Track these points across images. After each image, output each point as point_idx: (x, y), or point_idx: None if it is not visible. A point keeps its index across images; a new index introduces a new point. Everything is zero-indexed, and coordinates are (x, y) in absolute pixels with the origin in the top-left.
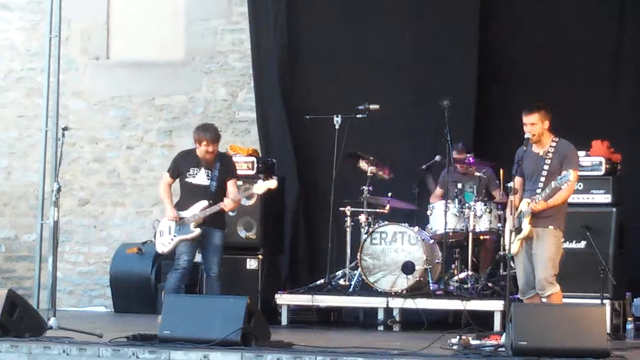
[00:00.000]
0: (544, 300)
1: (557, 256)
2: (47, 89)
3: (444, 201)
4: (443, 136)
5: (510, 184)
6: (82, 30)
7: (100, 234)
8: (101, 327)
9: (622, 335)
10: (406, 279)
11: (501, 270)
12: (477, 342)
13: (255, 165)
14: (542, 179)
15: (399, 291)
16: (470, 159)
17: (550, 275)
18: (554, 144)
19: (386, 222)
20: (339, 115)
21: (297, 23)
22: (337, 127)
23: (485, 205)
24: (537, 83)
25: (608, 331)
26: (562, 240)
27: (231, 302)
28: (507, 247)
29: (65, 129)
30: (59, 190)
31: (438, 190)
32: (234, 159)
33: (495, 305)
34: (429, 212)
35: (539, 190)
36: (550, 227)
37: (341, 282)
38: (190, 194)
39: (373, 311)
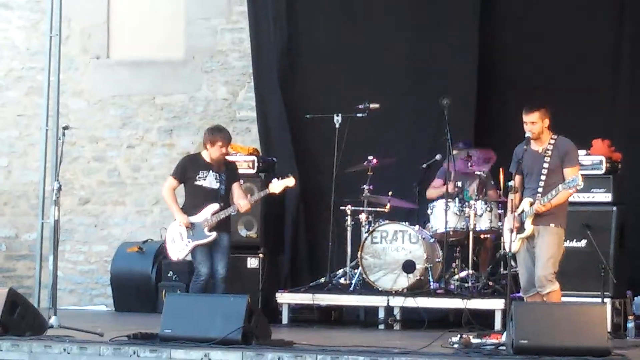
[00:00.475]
0: (544, 298)
1: (558, 254)
2: (48, 88)
3: (444, 200)
4: (443, 135)
5: (510, 183)
6: (82, 29)
7: (100, 233)
8: (102, 326)
9: (622, 333)
10: (407, 278)
11: (502, 269)
12: (477, 340)
13: (256, 164)
14: (542, 177)
15: (400, 290)
16: (473, 158)
17: (550, 273)
18: (552, 141)
19: (387, 221)
20: (339, 114)
21: (297, 22)
22: (337, 126)
23: (485, 204)
24: (538, 82)
25: (609, 330)
26: (564, 238)
27: (232, 301)
28: (506, 246)
29: (65, 128)
30: (59, 189)
31: (437, 181)
32: (235, 158)
33: (495, 304)
34: (429, 211)
35: (540, 189)
36: (552, 224)
37: (342, 281)
38: (198, 198)
39: (374, 310)
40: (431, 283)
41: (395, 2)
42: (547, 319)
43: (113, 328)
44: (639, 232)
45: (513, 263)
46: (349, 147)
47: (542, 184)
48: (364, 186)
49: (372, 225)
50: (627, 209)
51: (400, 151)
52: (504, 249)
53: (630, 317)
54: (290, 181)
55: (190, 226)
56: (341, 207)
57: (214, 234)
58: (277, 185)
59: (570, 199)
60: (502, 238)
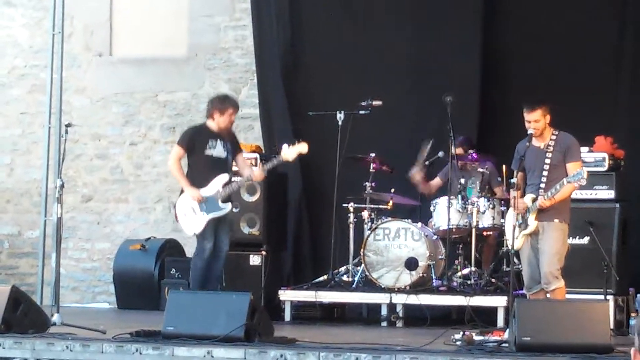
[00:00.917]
0: (548, 295)
1: (563, 250)
2: (50, 85)
3: (446, 197)
4: (446, 132)
5: (513, 180)
6: (85, 27)
7: (103, 230)
8: (104, 324)
9: (625, 330)
10: (409, 275)
11: (504, 266)
12: (480, 338)
13: (259, 162)
14: (545, 172)
15: (402, 287)
16: (473, 154)
17: (555, 269)
18: (554, 137)
19: (389, 218)
20: (342, 112)
21: (300, 19)
22: (340, 123)
23: (488, 201)
24: (540, 79)
25: (611, 327)
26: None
27: (234, 298)
28: (509, 243)
29: (68, 125)
30: (62, 186)
31: (436, 180)
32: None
33: (498, 301)
34: (432, 208)
35: (542, 185)
36: (556, 220)
37: (344, 278)
38: (208, 168)
39: (376, 307)
40: (434, 280)
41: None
42: (550, 316)
43: (116, 325)
44: None
45: (516, 260)
46: (352, 144)
47: (544, 179)
48: (367, 183)
49: (375, 222)
50: (629, 205)
51: (402, 148)
52: (507, 246)
53: (632, 314)
54: (302, 147)
55: (203, 199)
56: (344, 205)
57: (228, 205)
58: (289, 152)
59: (573, 196)
60: (504, 235)
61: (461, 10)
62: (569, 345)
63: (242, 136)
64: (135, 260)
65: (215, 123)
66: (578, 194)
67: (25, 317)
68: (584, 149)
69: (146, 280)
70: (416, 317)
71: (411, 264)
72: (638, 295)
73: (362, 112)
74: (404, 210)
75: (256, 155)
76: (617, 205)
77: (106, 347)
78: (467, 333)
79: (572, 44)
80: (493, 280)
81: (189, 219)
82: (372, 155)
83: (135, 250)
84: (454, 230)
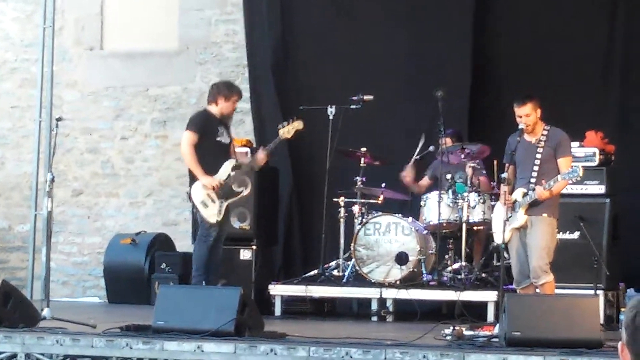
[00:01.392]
0: (537, 290)
1: (552, 244)
2: (41, 79)
3: (437, 192)
4: (437, 127)
5: (504, 175)
6: (76, 21)
7: (94, 225)
8: (95, 318)
9: (615, 325)
10: (400, 270)
11: (495, 261)
12: (470, 332)
13: (250, 156)
14: (535, 167)
15: (393, 282)
16: (466, 150)
17: (544, 263)
18: (545, 132)
19: (380, 213)
20: (333, 106)
21: (291, 14)
22: (331, 117)
23: (479, 195)
24: (531, 75)
25: (601, 322)
26: (557, 228)
27: (225, 292)
28: (495, 236)
29: (59, 119)
30: (52, 180)
31: (425, 180)
32: None
33: (488, 296)
34: (422, 203)
35: (533, 180)
36: (545, 214)
37: (335, 272)
38: (217, 154)
39: (366, 302)
40: (424, 275)
41: None
42: (540, 310)
43: (106, 320)
44: (632, 224)
45: (506, 255)
46: (343, 139)
47: (534, 174)
48: (357, 178)
49: (365, 217)
50: (620, 200)
51: (393, 142)
52: (494, 240)
53: (622, 309)
54: (299, 124)
55: (220, 186)
56: (334, 199)
57: (243, 188)
58: (287, 130)
59: (563, 191)
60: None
61: (453, 5)
62: (559, 340)
63: (233, 130)
64: (126, 255)
65: (218, 109)
66: (568, 189)
67: (15, 311)
68: (574, 144)
69: (136, 275)
70: (406, 312)
71: (401, 258)
72: (628, 290)
73: (353, 106)
74: (394, 205)
75: (247, 149)
76: (608, 200)
77: (96, 341)
78: (457, 328)
79: (564, 40)
80: (483, 275)
81: (209, 209)
82: (363, 149)
83: (125, 245)
84: (444, 224)
